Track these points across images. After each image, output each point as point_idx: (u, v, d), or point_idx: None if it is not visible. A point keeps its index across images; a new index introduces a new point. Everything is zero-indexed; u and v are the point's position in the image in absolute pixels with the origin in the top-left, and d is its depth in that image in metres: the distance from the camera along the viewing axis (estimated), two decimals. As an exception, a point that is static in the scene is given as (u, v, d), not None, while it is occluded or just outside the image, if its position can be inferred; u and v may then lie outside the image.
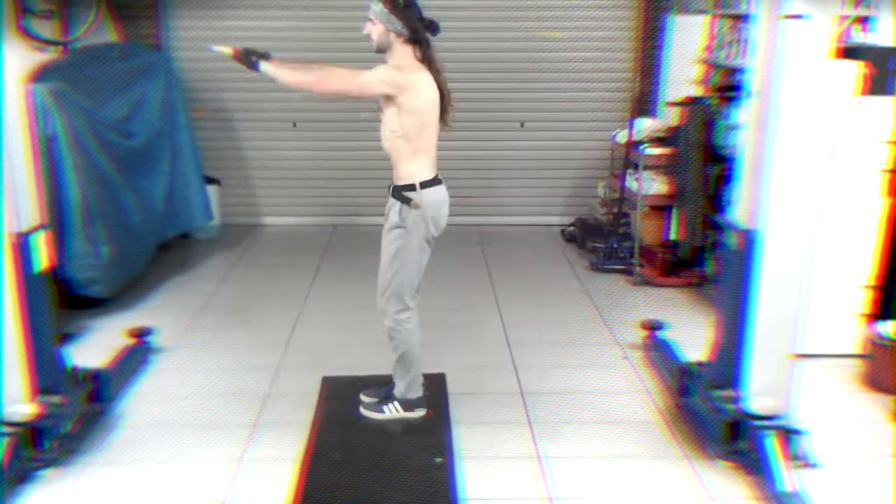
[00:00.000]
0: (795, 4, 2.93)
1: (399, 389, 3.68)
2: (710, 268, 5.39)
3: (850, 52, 4.06)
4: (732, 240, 3.36)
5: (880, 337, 4.00)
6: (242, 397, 3.95)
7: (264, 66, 3.31)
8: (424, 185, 3.39)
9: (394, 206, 3.42)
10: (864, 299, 4.27)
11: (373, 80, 3.26)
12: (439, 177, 3.48)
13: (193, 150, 6.28)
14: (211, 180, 6.72)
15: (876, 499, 3.12)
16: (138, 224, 5.38)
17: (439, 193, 3.47)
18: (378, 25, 3.28)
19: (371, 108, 3.54)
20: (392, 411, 3.69)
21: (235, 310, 5.19)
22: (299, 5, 6.82)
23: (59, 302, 3.85)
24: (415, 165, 3.39)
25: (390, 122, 3.34)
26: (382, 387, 3.79)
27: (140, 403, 3.89)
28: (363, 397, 3.80)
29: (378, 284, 3.56)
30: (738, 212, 3.35)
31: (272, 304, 5.31)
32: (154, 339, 4.50)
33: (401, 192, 3.39)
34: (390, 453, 3.45)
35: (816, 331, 4.11)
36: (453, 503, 3.07)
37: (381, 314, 3.59)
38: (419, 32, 3.31)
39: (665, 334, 4.45)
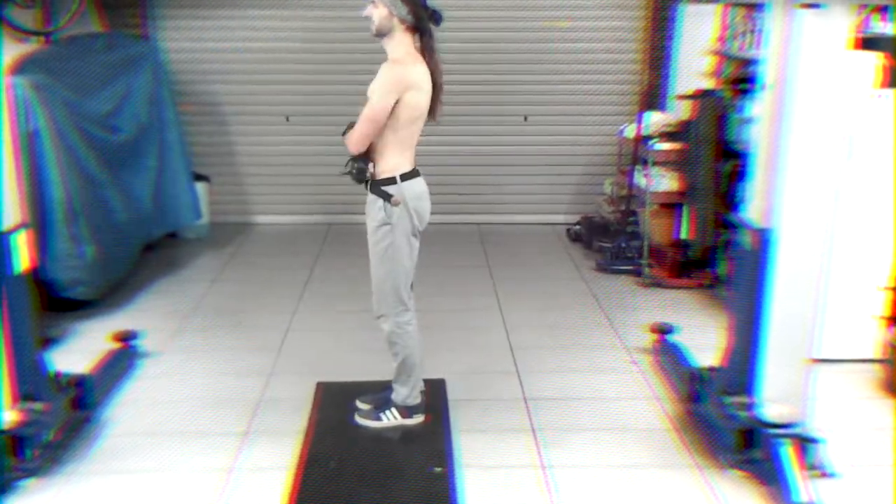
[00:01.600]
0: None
1: (399, 395, 3.68)
2: (722, 268, 5.39)
3: (869, 42, 4.07)
4: (746, 239, 3.36)
5: None
6: (233, 404, 3.94)
7: None
8: (404, 177, 3.43)
9: (375, 202, 3.45)
10: (883, 301, 4.26)
11: (383, 101, 3.28)
12: (417, 169, 3.51)
13: (182, 145, 6.28)
14: (200, 177, 6.72)
15: (896, 510, 3.13)
16: (124, 223, 5.37)
17: (421, 185, 3.51)
18: (381, 9, 3.27)
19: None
20: (390, 418, 3.69)
21: (226, 313, 5.20)
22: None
23: (41, 304, 3.85)
24: (397, 158, 3.43)
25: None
26: (378, 393, 3.79)
27: (126, 410, 3.89)
28: (359, 404, 3.79)
29: (373, 289, 3.57)
30: (752, 210, 3.35)
31: (264, 306, 5.31)
32: (141, 343, 4.50)
33: (380, 188, 3.42)
34: (388, 462, 3.44)
35: (833, 334, 4.10)
36: None
37: (379, 320, 3.59)
38: (423, 21, 3.32)
39: (675, 338, 4.45)
